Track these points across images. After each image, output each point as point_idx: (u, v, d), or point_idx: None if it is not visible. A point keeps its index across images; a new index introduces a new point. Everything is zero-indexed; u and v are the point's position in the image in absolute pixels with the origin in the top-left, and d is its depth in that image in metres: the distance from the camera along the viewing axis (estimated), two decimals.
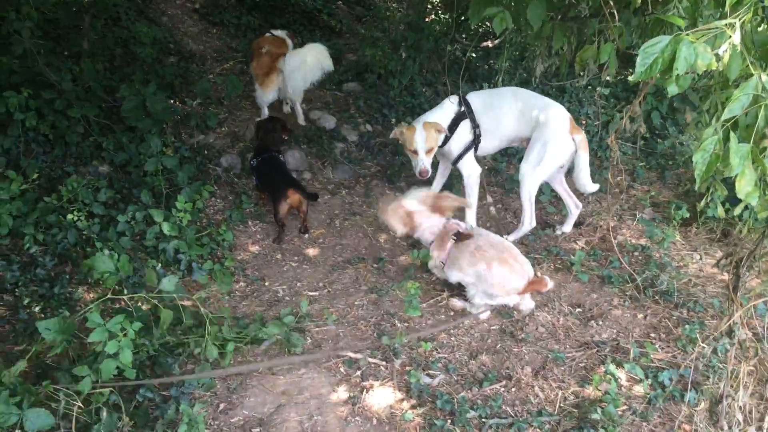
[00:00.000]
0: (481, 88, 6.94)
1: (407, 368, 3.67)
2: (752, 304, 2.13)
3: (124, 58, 6.44)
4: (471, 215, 4.98)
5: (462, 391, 3.51)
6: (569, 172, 4.84)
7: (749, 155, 1.72)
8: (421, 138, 4.51)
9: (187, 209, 4.33)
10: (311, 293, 4.39)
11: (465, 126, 4.76)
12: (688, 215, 5.10)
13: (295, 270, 4.64)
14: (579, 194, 5.13)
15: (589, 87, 6.85)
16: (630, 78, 1.88)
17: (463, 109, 4.74)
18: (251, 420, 3.30)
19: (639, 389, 3.53)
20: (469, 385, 3.56)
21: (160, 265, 4.26)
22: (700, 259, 4.80)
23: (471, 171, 4.90)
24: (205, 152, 5.57)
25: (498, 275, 3.91)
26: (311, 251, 4.84)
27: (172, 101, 5.92)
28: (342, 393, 3.48)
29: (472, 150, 4.86)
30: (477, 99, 4.81)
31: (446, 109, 4.77)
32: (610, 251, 4.81)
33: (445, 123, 4.68)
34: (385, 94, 6.81)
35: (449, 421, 3.27)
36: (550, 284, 3.97)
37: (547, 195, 5.57)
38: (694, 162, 1.79)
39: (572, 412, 3.39)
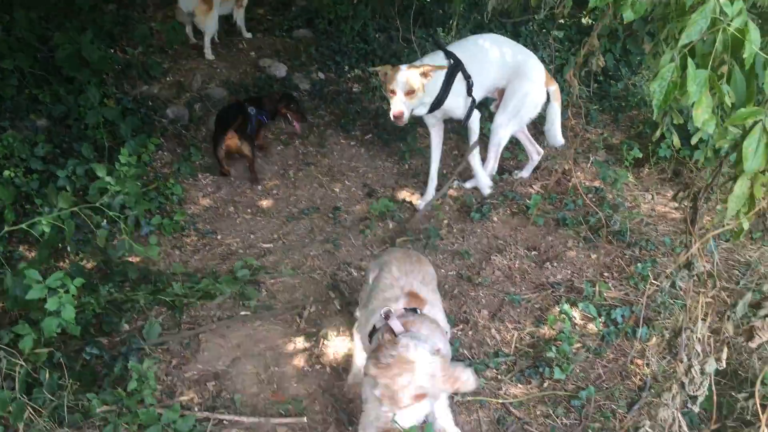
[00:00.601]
0: (435, 32, 6.82)
1: None
2: (711, 235, 2.12)
3: (59, 6, 6.07)
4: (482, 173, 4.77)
5: None
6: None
7: (707, 82, 1.68)
8: (403, 77, 4.08)
9: (131, 163, 4.14)
10: (265, 245, 4.30)
11: (460, 79, 4.37)
12: (640, 155, 5.13)
13: (249, 222, 4.53)
14: (539, 141, 5.10)
15: (544, 30, 6.76)
16: (590, 2, 1.80)
17: (452, 61, 4.33)
18: (206, 374, 3.24)
19: (592, 327, 3.59)
20: None
21: (105, 221, 4.09)
22: (652, 198, 4.86)
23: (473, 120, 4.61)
24: (150, 103, 5.34)
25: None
26: (265, 203, 4.73)
27: (112, 50, 5.63)
28: (299, 344, 3.45)
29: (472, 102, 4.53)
30: (459, 50, 4.44)
31: (437, 62, 4.33)
32: (565, 194, 4.83)
33: (440, 77, 4.29)
34: (337, 41, 6.61)
35: None
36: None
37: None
38: (651, 91, 1.75)
39: (528, 352, 3.42)
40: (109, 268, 3.75)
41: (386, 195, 4.88)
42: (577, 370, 3.31)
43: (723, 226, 2.07)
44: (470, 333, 3.55)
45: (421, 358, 2.28)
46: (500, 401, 3.12)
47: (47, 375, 2.79)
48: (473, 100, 4.47)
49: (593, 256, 4.23)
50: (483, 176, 4.76)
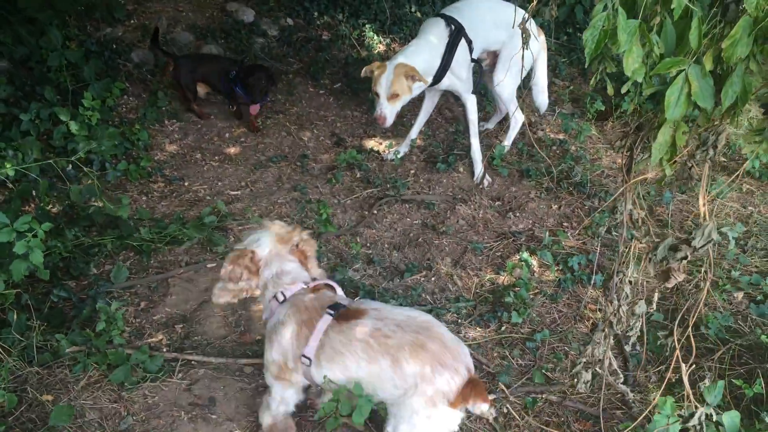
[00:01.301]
0: None
1: (332, 264, 3.73)
2: (634, 182, 2.23)
3: None
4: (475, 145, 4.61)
5: (384, 283, 3.61)
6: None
7: (636, 31, 1.73)
8: (387, 81, 4.00)
9: (95, 107, 4.10)
10: (233, 192, 4.32)
11: (463, 43, 4.23)
12: (603, 108, 5.23)
13: (216, 170, 4.53)
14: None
15: None
16: None
17: (453, 27, 4.19)
18: (174, 317, 3.31)
19: (549, 274, 3.73)
20: (391, 277, 3.66)
21: (70, 166, 4.06)
22: (614, 151, 4.98)
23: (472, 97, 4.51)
24: (114, 47, 5.21)
25: (413, 374, 2.30)
26: (232, 150, 4.73)
27: None
28: None
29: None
30: (456, 14, 4.27)
31: (440, 31, 4.20)
32: (530, 146, 4.91)
33: (442, 46, 4.17)
34: None
35: None
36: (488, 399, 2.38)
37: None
38: (584, 39, 1.80)
39: (487, 298, 3.56)
40: (76, 213, 3.74)
41: (354, 144, 4.91)
42: (534, 315, 3.45)
43: (647, 173, 2.18)
44: (433, 279, 3.66)
45: None
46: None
47: (15, 316, 2.82)
48: (477, 63, 4.43)
49: (554, 207, 4.35)
50: (480, 164, 4.60)
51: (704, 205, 2.09)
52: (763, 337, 3.15)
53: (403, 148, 4.80)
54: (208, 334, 3.21)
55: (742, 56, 1.66)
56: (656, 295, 2.44)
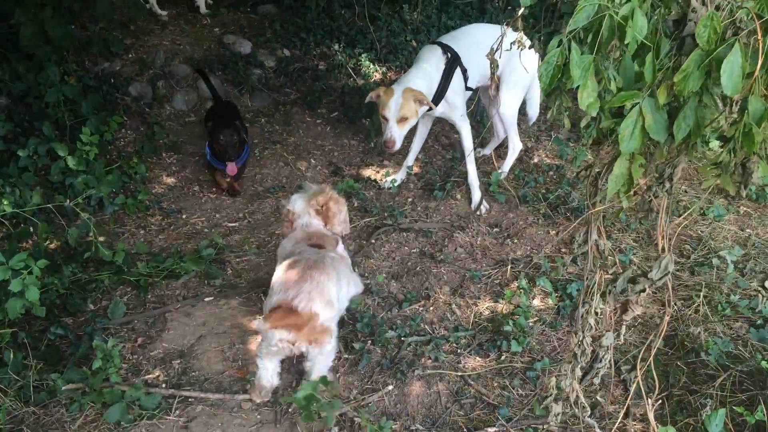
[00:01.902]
0: (401, 9, 6.81)
1: None
2: (594, 212, 2.23)
3: None
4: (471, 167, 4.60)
5: (382, 313, 3.60)
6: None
7: (590, 67, 1.74)
8: (396, 105, 4.05)
9: (93, 142, 4.12)
10: (231, 224, 4.33)
11: (458, 72, 4.31)
12: (595, 135, 5.24)
13: (214, 201, 4.55)
14: None
15: (509, 7, 6.82)
16: None
17: (450, 55, 4.27)
18: (171, 352, 3.29)
19: (549, 301, 3.71)
20: (389, 307, 3.65)
21: (68, 201, 4.07)
22: (649, 163, 4.98)
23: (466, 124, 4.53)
24: (112, 81, 5.27)
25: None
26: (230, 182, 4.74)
27: (72, 26, 5.52)
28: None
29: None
30: (453, 42, 4.33)
31: (437, 58, 4.28)
32: (527, 172, 4.93)
33: (439, 73, 4.25)
34: (303, 17, 6.56)
35: (369, 342, 3.36)
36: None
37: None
38: (538, 74, 1.82)
39: (486, 326, 3.54)
40: (73, 249, 3.75)
41: (351, 173, 4.93)
42: (534, 343, 3.43)
43: (605, 204, 2.18)
44: (431, 309, 3.64)
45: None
46: (459, 374, 3.23)
47: (11, 355, 2.81)
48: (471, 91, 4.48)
49: (552, 233, 4.35)
50: (477, 191, 4.59)
51: (663, 238, 2.09)
52: (763, 362, 3.12)
53: (400, 176, 4.81)
54: (206, 369, 3.19)
55: (694, 90, 1.66)
56: (623, 327, 2.42)
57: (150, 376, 3.11)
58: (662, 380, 3.22)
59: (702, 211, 4.53)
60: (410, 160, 4.83)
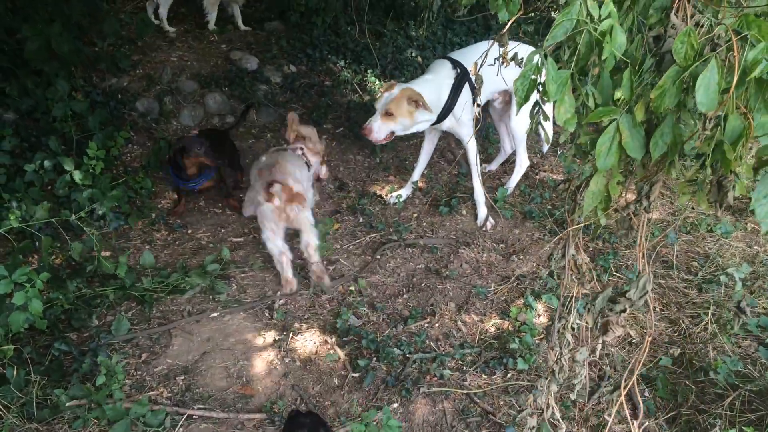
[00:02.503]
0: (407, 26, 6.85)
1: (334, 310, 3.70)
2: (571, 229, 2.22)
3: None
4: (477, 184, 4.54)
5: (387, 330, 3.57)
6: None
7: (567, 82, 1.72)
8: (387, 98, 4.04)
9: (99, 156, 4.13)
10: (236, 239, 4.33)
11: (466, 88, 4.25)
12: (574, 151, 5.24)
13: (219, 216, 4.55)
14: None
15: (515, 24, 6.83)
16: (463, 1, 1.82)
17: (459, 71, 4.22)
18: (175, 368, 3.28)
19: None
20: (395, 323, 3.62)
21: (73, 216, 4.08)
22: (628, 181, 4.96)
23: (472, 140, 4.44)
24: (119, 96, 5.29)
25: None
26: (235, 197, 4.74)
27: (80, 42, 5.56)
28: (268, 337, 3.49)
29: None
30: (463, 58, 4.31)
31: (447, 71, 4.25)
32: (532, 188, 4.92)
33: (447, 87, 4.20)
34: (309, 33, 6.60)
35: (374, 359, 3.33)
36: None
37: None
38: (513, 88, 1.81)
39: (492, 343, 3.51)
40: (78, 264, 3.75)
41: (357, 189, 4.93)
42: (540, 361, 3.40)
43: (583, 221, 2.16)
44: (437, 325, 3.62)
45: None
46: (465, 392, 3.20)
47: (14, 372, 2.80)
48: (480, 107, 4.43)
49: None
50: (483, 207, 4.56)
51: (642, 257, 2.06)
52: None
53: (405, 192, 4.81)
54: (210, 386, 3.17)
55: (670, 106, 1.64)
56: (599, 344, 2.39)
57: (154, 392, 3.09)
58: (671, 399, 3.18)
59: (709, 228, 4.50)
60: (416, 175, 4.83)
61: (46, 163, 4.21)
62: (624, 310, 2.15)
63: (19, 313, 2.85)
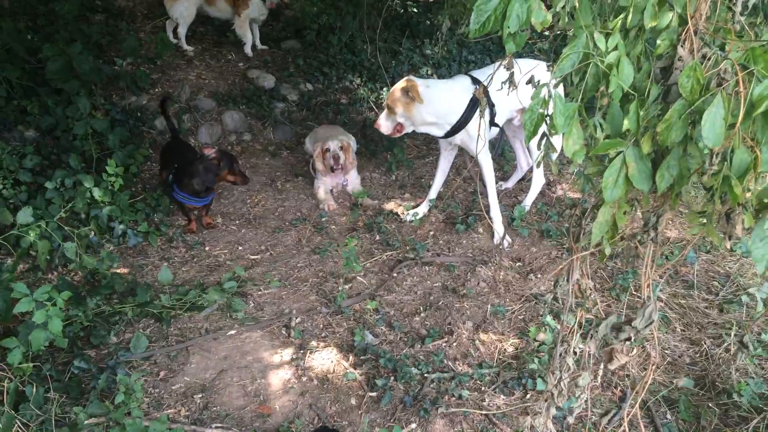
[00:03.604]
0: (423, 44, 6.89)
1: (352, 328, 3.69)
2: (578, 256, 2.20)
3: (47, 17, 6.09)
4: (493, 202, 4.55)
5: (405, 348, 3.55)
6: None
7: (575, 114, 1.72)
8: (390, 92, 4.18)
9: (118, 174, 4.17)
10: (253, 257, 4.34)
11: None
12: (584, 181, 5.21)
13: (236, 234, 4.57)
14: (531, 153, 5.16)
15: (529, 42, 6.86)
16: (471, 33, 1.84)
17: (478, 87, 4.17)
18: (193, 386, 3.27)
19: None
20: (412, 342, 3.60)
21: (93, 233, 4.12)
22: (635, 210, 4.93)
23: (488, 158, 4.49)
24: (138, 114, 5.36)
25: None
26: (252, 213, 4.77)
27: (100, 61, 5.65)
28: (285, 355, 3.48)
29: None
30: (482, 77, 4.30)
31: (466, 86, 4.24)
32: (549, 205, 4.90)
33: (463, 101, 4.19)
34: (325, 52, 6.66)
35: (392, 378, 3.31)
36: None
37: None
38: (522, 122, 1.82)
39: (511, 363, 3.48)
40: (97, 281, 3.77)
41: (373, 206, 4.93)
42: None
43: (590, 249, 2.14)
44: (455, 345, 3.59)
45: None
46: (484, 413, 3.17)
47: (34, 389, 2.80)
48: (497, 127, 4.46)
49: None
50: (500, 225, 4.56)
51: (648, 286, 2.04)
52: None
53: (422, 209, 4.80)
54: (227, 404, 3.16)
55: (676, 140, 1.62)
56: (601, 369, 2.37)
57: (172, 410, 3.08)
58: (693, 422, 3.13)
59: (730, 247, 4.44)
60: (433, 193, 4.83)
61: (67, 181, 4.25)
62: (629, 339, 2.12)
63: (39, 331, 2.86)
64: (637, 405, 2.44)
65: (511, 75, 2.47)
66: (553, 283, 2.57)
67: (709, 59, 1.63)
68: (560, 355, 2.32)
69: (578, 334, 2.30)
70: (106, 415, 2.87)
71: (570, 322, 2.32)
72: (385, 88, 6.34)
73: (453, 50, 6.98)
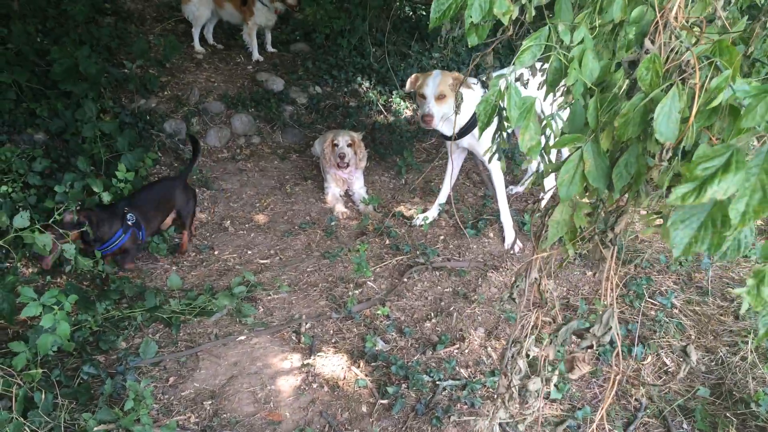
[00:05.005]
0: (432, 47, 6.86)
1: (362, 334, 3.65)
2: (537, 257, 2.14)
3: (57, 20, 6.08)
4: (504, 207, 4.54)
5: (416, 355, 3.51)
6: None
7: (532, 108, 1.64)
8: (434, 82, 4.05)
9: (128, 178, 4.15)
10: (262, 261, 4.30)
11: None
12: (536, 179, 5.17)
13: (245, 238, 4.54)
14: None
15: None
16: (431, 23, 1.77)
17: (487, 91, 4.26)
18: (203, 392, 3.24)
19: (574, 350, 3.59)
20: (423, 349, 3.56)
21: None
22: (599, 211, 4.88)
23: (496, 162, 4.42)
24: (148, 117, 5.34)
25: None
26: (261, 218, 4.74)
27: (109, 64, 5.64)
28: (295, 361, 3.45)
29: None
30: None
31: (477, 89, 4.24)
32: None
33: (471, 104, 4.16)
34: (334, 55, 6.64)
35: (403, 385, 3.27)
36: None
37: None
38: (477, 113, 1.75)
39: (548, 375, 3.42)
40: (106, 286, 3.75)
41: (383, 210, 4.90)
42: (574, 390, 3.31)
43: (546, 250, 2.06)
44: (466, 351, 3.55)
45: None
46: (497, 421, 3.12)
47: (43, 396, 2.78)
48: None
49: (588, 273, 4.25)
50: (510, 230, 4.54)
51: (610, 290, 1.95)
52: None
53: (432, 214, 4.77)
54: (237, 411, 3.12)
55: (633, 135, 1.53)
56: (555, 375, 2.29)
57: (181, 417, 3.05)
58: (710, 431, 3.08)
59: (744, 253, 4.38)
60: (442, 197, 4.79)
61: (76, 184, 4.24)
62: (591, 347, 2.05)
63: (47, 335, 2.84)
64: (603, 410, 2.33)
65: (489, 74, 2.39)
66: (512, 282, 2.51)
67: (677, 52, 1.53)
68: (512, 356, 2.24)
69: (532, 337, 2.23)
70: (115, 421, 2.84)
71: (522, 322, 2.25)
72: (395, 92, 6.30)
73: (462, 53, 6.94)
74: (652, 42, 1.59)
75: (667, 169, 1.54)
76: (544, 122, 1.74)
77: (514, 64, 1.67)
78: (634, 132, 1.53)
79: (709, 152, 1.20)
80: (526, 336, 2.22)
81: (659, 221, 1.79)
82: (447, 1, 1.70)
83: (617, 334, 1.98)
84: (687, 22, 1.59)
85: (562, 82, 1.69)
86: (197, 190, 4.91)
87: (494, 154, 2.19)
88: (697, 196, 1.20)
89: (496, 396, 2.36)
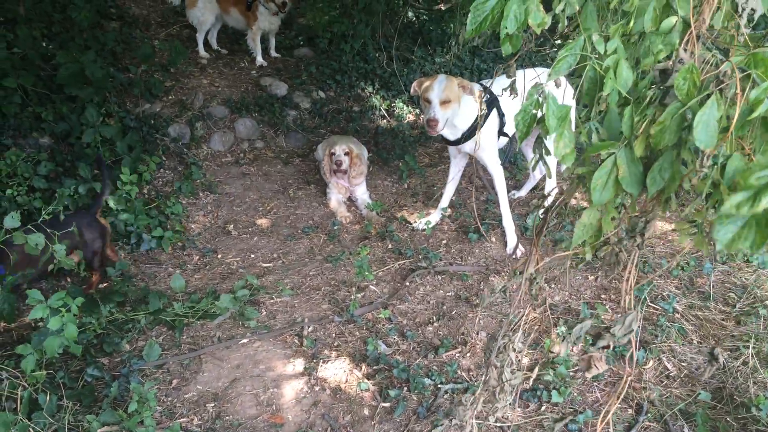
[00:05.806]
0: (435, 52, 6.88)
1: (364, 337, 3.67)
2: (552, 259, 2.16)
3: (62, 24, 6.13)
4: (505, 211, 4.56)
5: (418, 359, 3.53)
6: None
7: (567, 116, 1.68)
8: (440, 86, 4.01)
9: (132, 182, 4.18)
10: (265, 264, 4.33)
11: (494, 114, 4.28)
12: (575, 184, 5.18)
13: (248, 241, 4.56)
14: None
15: (540, 52, 6.85)
16: (467, 33, 1.80)
17: (489, 96, 4.20)
18: (205, 395, 3.26)
19: (590, 349, 3.60)
20: (425, 352, 3.58)
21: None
22: (622, 216, 4.89)
23: (498, 167, 4.46)
24: (152, 122, 5.38)
25: None
26: (264, 222, 4.77)
27: (114, 68, 5.68)
28: (298, 364, 3.46)
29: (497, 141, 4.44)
30: (494, 87, 4.25)
31: (476, 91, 4.21)
32: (563, 215, 4.86)
33: (476, 108, 4.19)
34: (338, 60, 6.67)
35: (405, 388, 3.29)
36: None
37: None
38: (515, 122, 1.78)
39: (526, 375, 3.44)
40: (111, 289, 3.77)
41: (385, 214, 4.92)
42: (575, 393, 3.32)
43: (569, 250, 2.07)
44: (468, 355, 3.57)
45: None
46: (498, 425, 3.13)
47: (47, 398, 2.80)
48: (508, 137, 4.42)
49: (591, 278, 4.26)
50: (513, 234, 4.55)
51: (628, 293, 1.97)
52: None
53: (434, 218, 4.78)
54: (240, 413, 3.14)
55: (670, 143, 1.57)
56: (536, 370, 2.30)
57: (184, 419, 3.07)
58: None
59: (746, 258, 4.40)
60: (445, 202, 4.81)
61: (81, 188, 4.27)
62: (607, 347, 2.06)
63: (54, 337, 2.86)
64: (610, 415, 2.36)
65: (513, 82, 2.44)
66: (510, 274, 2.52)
67: (710, 63, 1.58)
68: (502, 347, 2.25)
69: (521, 330, 2.24)
70: (119, 423, 2.86)
71: (513, 316, 2.27)
72: (398, 97, 6.33)
73: (465, 59, 6.97)
74: (687, 52, 1.63)
75: (706, 176, 1.57)
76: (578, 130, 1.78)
77: (549, 74, 1.72)
78: (671, 140, 1.58)
79: (763, 162, 1.24)
80: (513, 330, 2.24)
81: (693, 230, 1.82)
82: (484, 13, 1.73)
83: (633, 338, 2.01)
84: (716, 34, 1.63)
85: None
86: (201, 194, 4.94)
87: (537, 163, 2.23)
88: (752, 205, 1.22)
89: (482, 386, 2.36)
